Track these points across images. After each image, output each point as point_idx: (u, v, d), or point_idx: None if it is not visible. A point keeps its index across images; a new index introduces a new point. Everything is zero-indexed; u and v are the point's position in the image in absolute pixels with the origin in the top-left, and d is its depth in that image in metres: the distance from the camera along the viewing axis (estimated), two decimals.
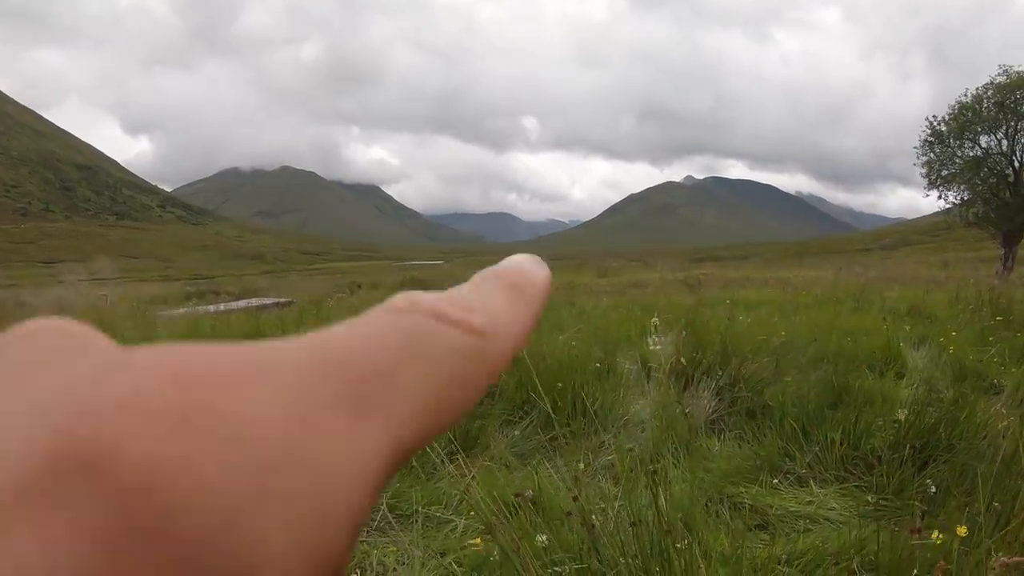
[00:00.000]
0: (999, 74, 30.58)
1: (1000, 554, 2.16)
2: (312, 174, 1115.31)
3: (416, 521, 3.61)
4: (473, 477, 3.41)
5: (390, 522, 3.62)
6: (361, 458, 0.17)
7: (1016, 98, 30.05)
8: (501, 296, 0.25)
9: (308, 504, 0.16)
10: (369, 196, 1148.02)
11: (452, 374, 0.21)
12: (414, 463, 4.11)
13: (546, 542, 2.45)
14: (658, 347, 3.28)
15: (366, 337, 0.20)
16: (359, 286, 29.28)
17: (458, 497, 3.77)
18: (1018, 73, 30.05)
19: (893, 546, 2.44)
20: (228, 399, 0.16)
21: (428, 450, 4.23)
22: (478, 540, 2.95)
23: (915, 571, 2.34)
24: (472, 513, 3.50)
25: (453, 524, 3.53)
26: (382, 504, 3.77)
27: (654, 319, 3.54)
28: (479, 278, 0.26)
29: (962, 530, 2.26)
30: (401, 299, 0.23)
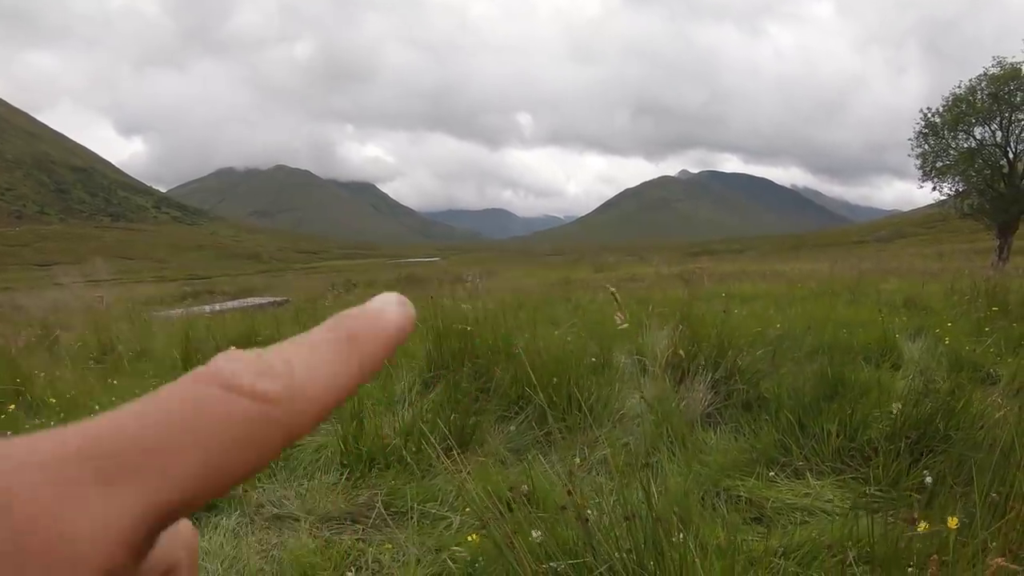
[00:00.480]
0: (993, 65, 30.60)
1: (994, 545, 2.15)
2: (307, 173, 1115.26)
3: (411, 518, 3.60)
4: (468, 473, 3.40)
5: (385, 519, 3.61)
6: (106, 521, 0.21)
7: (1010, 89, 30.04)
8: (326, 353, 0.26)
9: (57, 561, 0.20)
10: (364, 194, 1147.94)
11: (231, 441, 0.23)
12: (408, 460, 4.10)
13: (540, 538, 2.43)
14: (625, 325, 3.25)
15: (140, 413, 0.23)
16: (355, 284, 29.26)
17: (453, 494, 3.76)
18: (1012, 64, 30.04)
19: (888, 538, 2.43)
20: (7, 483, 0.20)
21: (423, 446, 4.23)
22: (474, 536, 2.94)
23: (911, 563, 2.33)
24: (467, 509, 3.49)
25: (448, 520, 3.52)
26: (377, 502, 3.76)
27: (611, 288, 3.49)
28: (319, 329, 0.28)
29: (953, 521, 2.25)
30: (205, 367, 0.24)
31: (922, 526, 2.28)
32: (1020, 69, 29.79)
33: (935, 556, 1.83)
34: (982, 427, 3.93)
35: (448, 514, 3.58)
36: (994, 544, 2.23)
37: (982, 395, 4.48)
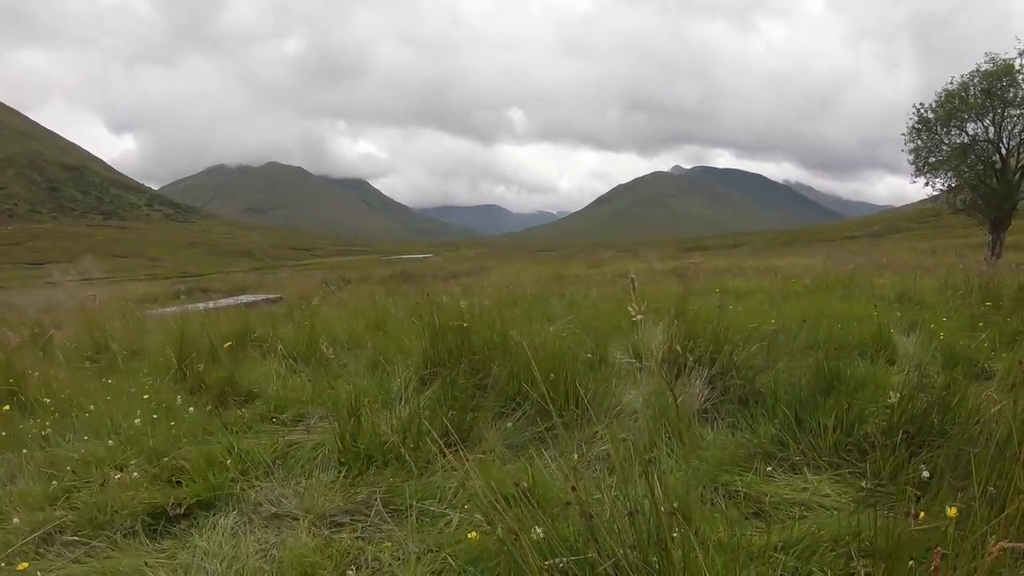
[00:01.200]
0: (985, 61, 30.64)
1: (994, 538, 2.16)
2: (299, 169, 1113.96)
3: (410, 516, 3.60)
4: (467, 470, 3.39)
5: (384, 517, 3.61)
6: None
7: (1003, 85, 30.08)
8: None
9: None
10: (357, 191, 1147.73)
11: None
12: (407, 457, 4.10)
13: (542, 534, 2.44)
14: (640, 316, 3.25)
15: None
16: (348, 281, 29.23)
17: (452, 491, 3.76)
18: (1004, 60, 30.09)
19: (889, 531, 2.44)
20: None
21: (421, 444, 4.23)
22: (474, 533, 2.94)
23: (911, 556, 2.34)
24: (466, 506, 3.49)
25: (448, 518, 3.52)
26: (376, 500, 3.76)
27: (631, 274, 3.48)
28: None
29: (952, 511, 2.26)
30: None
31: (922, 516, 2.29)
32: (1012, 65, 29.84)
33: (937, 549, 1.83)
34: (978, 422, 3.95)
35: (447, 511, 3.58)
36: (994, 537, 2.24)
37: (977, 390, 4.50)
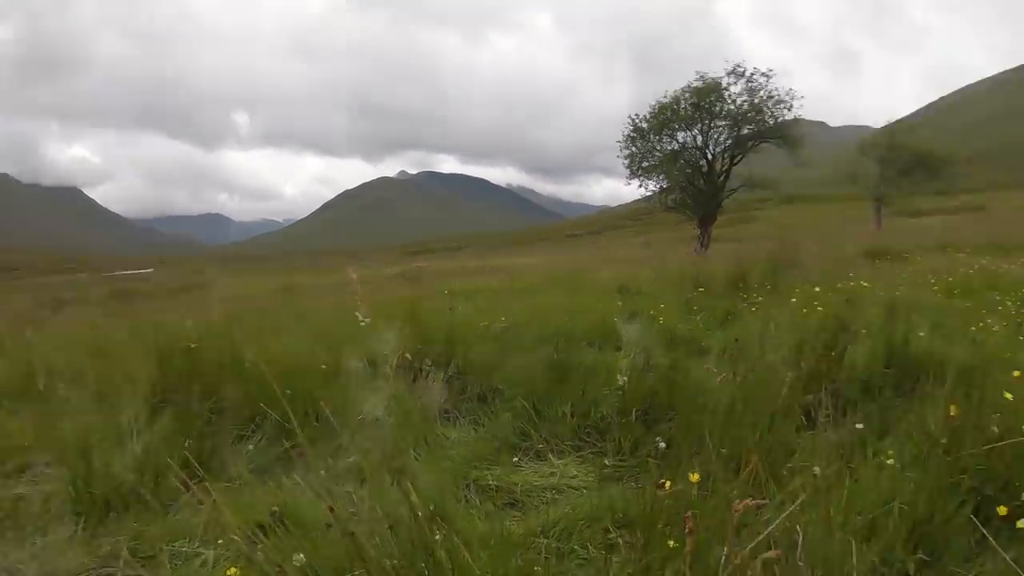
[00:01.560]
0: (696, 80, 34.47)
1: (735, 493, 2.34)
2: (5, 176, 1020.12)
3: (162, 561, 3.35)
4: (214, 502, 3.19)
5: (134, 567, 3.33)
6: None
7: (711, 100, 33.90)
8: None
9: None
10: (70, 200, 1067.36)
11: None
12: (148, 496, 3.82)
13: (305, 559, 2.35)
14: (367, 321, 3.24)
15: None
16: (63, 302, 27.05)
17: (202, 527, 3.53)
18: (713, 79, 34.10)
19: (642, 501, 2.57)
20: None
21: (159, 480, 3.96)
22: (233, 569, 2.79)
23: (664, 521, 2.48)
24: (220, 541, 3.30)
25: (202, 556, 3.31)
26: (122, 549, 3.46)
27: (354, 275, 3.44)
28: None
29: (695, 476, 2.42)
30: None
31: (668, 485, 2.44)
32: (720, 83, 33.98)
33: (689, 513, 1.96)
34: (703, 393, 4.28)
35: (201, 550, 3.36)
36: (736, 493, 2.43)
37: (699, 365, 4.87)
